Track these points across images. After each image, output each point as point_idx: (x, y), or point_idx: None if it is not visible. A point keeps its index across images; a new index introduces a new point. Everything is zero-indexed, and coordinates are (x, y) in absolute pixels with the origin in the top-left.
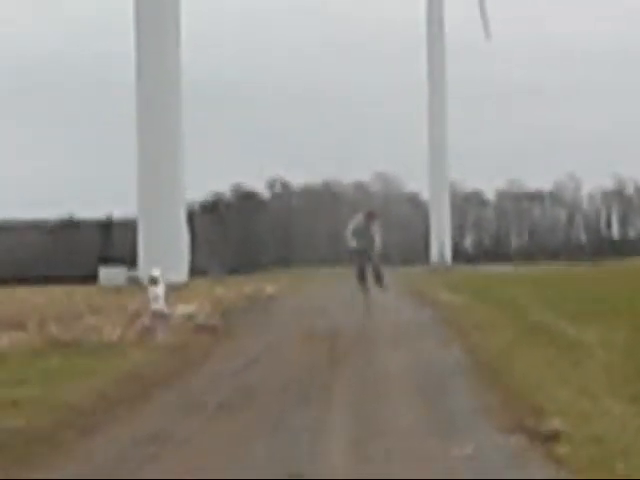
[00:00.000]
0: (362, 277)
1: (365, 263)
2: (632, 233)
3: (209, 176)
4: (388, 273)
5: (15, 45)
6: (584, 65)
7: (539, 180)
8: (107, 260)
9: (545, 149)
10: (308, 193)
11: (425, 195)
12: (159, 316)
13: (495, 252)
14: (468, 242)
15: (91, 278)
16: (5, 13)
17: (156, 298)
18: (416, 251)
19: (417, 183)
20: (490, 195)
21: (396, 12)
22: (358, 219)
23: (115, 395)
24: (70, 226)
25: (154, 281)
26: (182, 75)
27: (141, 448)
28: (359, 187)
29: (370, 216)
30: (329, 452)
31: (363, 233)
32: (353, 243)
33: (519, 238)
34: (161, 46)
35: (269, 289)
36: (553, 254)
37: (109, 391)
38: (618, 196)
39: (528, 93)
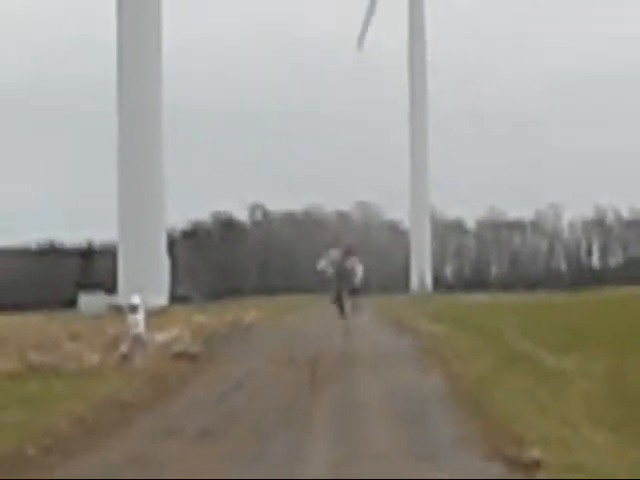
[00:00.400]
0: (338, 299)
1: (341, 287)
2: (612, 262)
3: (190, 203)
4: (367, 302)
5: None
6: (567, 95)
7: (520, 209)
8: (87, 286)
9: (526, 178)
10: (289, 220)
11: (406, 223)
12: (138, 341)
13: (475, 281)
14: (448, 270)
15: (71, 304)
16: None
17: (136, 323)
18: (396, 279)
19: (398, 211)
20: (471, 224)
21: (380, 40)
22: (334, 255)
23: (95, 420)
24: (50, 252)
25: (134, 309)
26: (163, 102)
27: (121, 474)
28: (340, 215)
29: (347, 253)
30: (312, 476)
31: (339, 267)
32: (329, 269)
33: (499, 267)
34: (142, 73)
35: (250, 316)
36: (533, 283)
37: (89, 416)
38: (599, 226)
39: (511, 122)
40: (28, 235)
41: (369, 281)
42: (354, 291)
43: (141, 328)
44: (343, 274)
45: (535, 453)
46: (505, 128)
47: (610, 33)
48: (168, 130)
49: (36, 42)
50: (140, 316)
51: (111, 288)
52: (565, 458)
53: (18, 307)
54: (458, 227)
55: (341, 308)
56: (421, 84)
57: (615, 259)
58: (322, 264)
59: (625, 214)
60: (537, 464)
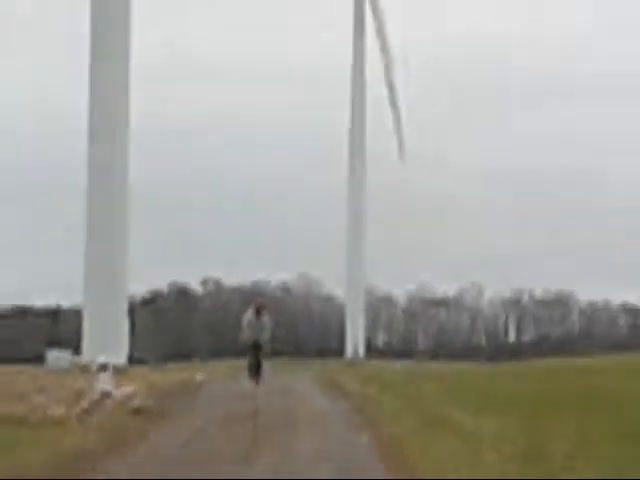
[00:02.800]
0: (253, 371)
1: (258, 357)
2: (526, 338)
3: (150, 273)
4: (303, 369)
5: None
6: (487, 183)
7: (446, 285)
8: (54, 344)
9: (452, 259)
10: (238, 292)
11: (342, 295)
12: (105, 397)
13: (404, 349)
14: (380, 339)
15: (39, 360)
16: None
17: (105, 381)
18: (332, 346)
19: (335, 284)
20: (401, 298)
21: (323, 114)
22: (249, 313)
23: (53, 469)
24: (21, 312)
25: (103, 367)
26: (129, 181)
27: None
28: (284, 288)
29: (260, 308)
30: None
31: (254, 325)
32: (247, 339)
33: (426, 338)
34: (111, 158)
35: (199, 376)
36: (456, 354)
37: (48, 464)
38: (515, 304)
39: (443, 208)
40: (3, 299)
41: (308, 347)
42: (258, 348)
43: (110, 384)
44: (258, 333)
45: None
46: (436, 212)
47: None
48: (132, 206)
49: None
50: (109, 374)
51: (77, 347)
52: None
53: None
54: (389, 301)
55: (256, 376)
56: (361, 172)
57: (528, 335)
58: (244, 332)
59: (538, 294)
60: None
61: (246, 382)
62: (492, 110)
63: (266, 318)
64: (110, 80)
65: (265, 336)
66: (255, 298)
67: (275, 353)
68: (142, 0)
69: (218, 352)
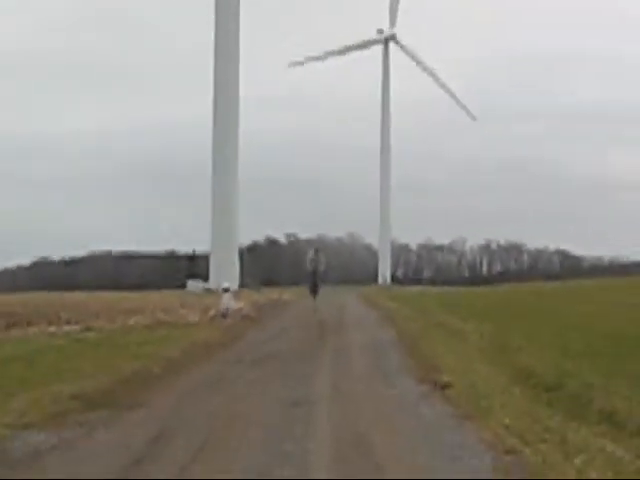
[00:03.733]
0: (312, 290)
1: (315, 281)
2: (494, 271)
3: (251, 230)
4: (351, 291)
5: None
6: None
7: (443, 237)
8: (191, 276)
9: (448, 222)
10: (309, 242)
11: (375, 245)
12: (225, 309)
13: (415, 279)
14: (400, 272)
15: (182, 287)
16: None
17: (227, 299)
18: (369, 277)
19: (372, 237)
20: (413, 246)
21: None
22: (310, 253)
23: (193, 352)
24: (170, 256)
25: (226, 290)
26: (239, 166)
27: (208, 382)
28: (338, 240)
29: (317, 251)
30: (317, 386)
31: (313, 260)
32: (308, 267)
33: (429, 271)
34: (227, 155)
35: (285, 297)
36: (448, 281)
37: (190, 350)
38: (487, 249)
39: (438, 190)
40: (159, 246)
41: (354, 278)
42: (316, 274)
43: (231, 302)
44: (315, 266)
45: (447, 378)
46: (444, 193)
47: None
48: (242, 185)
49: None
50: (229, 294)
51: (206, 278)
52: (464, 381)
53: (152, 287)
54: (406, 248)
55: (314, 294)
56: (386, 166)
57: (495, 269)
58: (307, 263)
59: (502, 242)
60: (448, 385)
61: (309, 300)
62: None
63: (321, 255)
64: (225, 96)
65: (320, 267)
66: (314, 243)
67: (330, 282)
68: None
69: (296, 281)
